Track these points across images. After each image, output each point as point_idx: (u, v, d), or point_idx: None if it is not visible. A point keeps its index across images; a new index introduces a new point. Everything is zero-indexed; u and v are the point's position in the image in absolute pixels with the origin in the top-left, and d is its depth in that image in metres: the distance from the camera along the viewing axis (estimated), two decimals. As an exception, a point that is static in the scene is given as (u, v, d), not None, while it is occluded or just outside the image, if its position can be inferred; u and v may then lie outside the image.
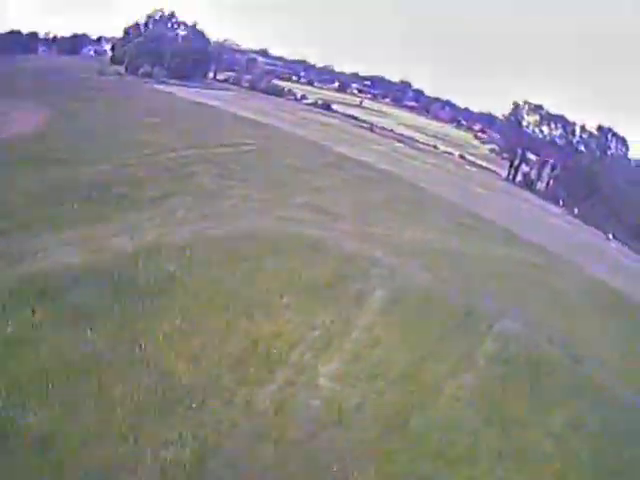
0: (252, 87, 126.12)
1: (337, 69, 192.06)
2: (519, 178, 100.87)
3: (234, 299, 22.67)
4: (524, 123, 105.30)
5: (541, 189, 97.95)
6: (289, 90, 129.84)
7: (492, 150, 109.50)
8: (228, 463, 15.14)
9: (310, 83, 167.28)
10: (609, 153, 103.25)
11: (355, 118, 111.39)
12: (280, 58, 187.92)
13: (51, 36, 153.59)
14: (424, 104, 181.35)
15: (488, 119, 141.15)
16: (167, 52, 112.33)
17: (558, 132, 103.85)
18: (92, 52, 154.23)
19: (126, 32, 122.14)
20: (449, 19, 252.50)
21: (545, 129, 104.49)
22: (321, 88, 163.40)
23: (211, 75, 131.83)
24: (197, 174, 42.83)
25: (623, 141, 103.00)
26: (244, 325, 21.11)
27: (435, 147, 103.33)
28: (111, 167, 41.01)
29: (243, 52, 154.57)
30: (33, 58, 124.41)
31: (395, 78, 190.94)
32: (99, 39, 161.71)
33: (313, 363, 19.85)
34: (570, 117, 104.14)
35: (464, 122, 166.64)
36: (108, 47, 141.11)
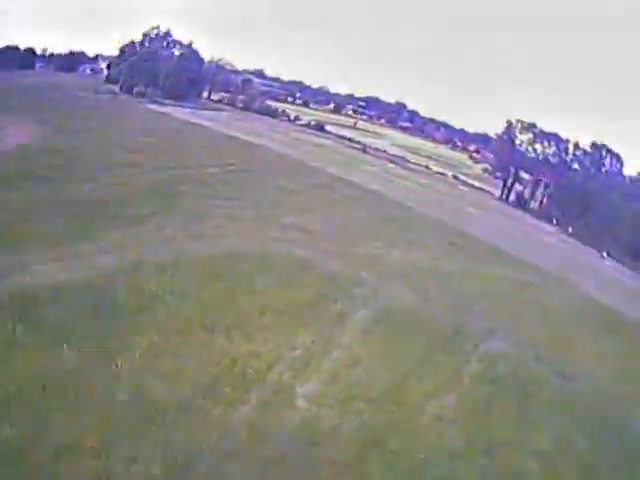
0: (246, 108, 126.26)
1: (332, 90, 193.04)
2: (512, 197, 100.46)
3: (213, 318, 22.54)
4: (517, 142, 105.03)
5: (535, 208, 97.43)
6: (283, 111, 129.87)
7: (485, 169, 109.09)
8: (197, 481, 15.00)
9: (305, 104, 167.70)
10: (603, 170, 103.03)
11: (348, 139, 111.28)
12: (276, 79, 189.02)
13: (48, 53, 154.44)
14: (419, 125, 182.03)
15: (484, 140, 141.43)
16: (161, 71, 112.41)
17: (552, 150, 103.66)
18: (89, 70, 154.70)
19: (122, 51, 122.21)
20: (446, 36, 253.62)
21: (538, 147, 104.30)
22: (316, 109, 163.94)
23: (205, 95, 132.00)
24: (184, 194, 42.94)
25: (618, 157, 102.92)
26: (222, 344, 21.00)
27: (428, 167, 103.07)
28: (98, 185, 41.38)
29: (239, 73, 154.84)
30: (31, 74, 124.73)
31: (391, 99, 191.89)
32: (96, 57, 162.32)
33: (290, 383, 19.64)
34: (564, 134, 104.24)
35: (459, 143, 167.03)
36: (104, 65, 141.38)
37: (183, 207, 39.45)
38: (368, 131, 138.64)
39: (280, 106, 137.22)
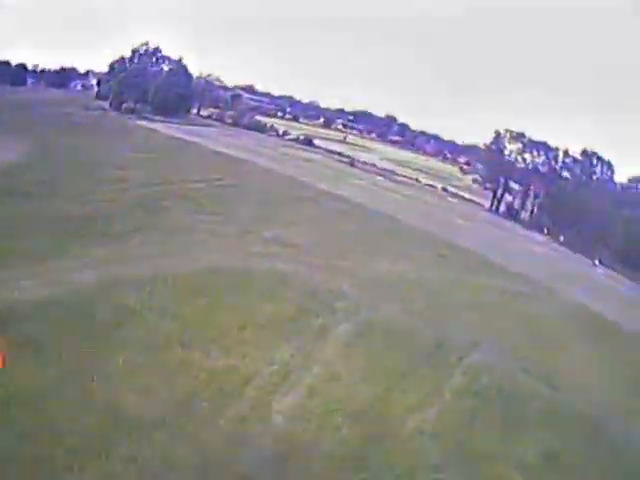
0: (235, 123, 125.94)
1: (323, 105, 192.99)
2: (502, 208, 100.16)
3: (191, 334, 22.44)
4: (506, 152, 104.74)
5: (525, 218, 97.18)
6: (271, 126, 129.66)
7: (474, 180, 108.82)
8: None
9: (295, 119, 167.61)
10: (594, 177, 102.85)
11: (337, 153, 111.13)
12: (266, 94, 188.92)
13: (39, 69, 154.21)
14: (409, 138, 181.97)
15: (474, 151, 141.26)
16: (150, 87, 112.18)
17: (541, 159, 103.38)
18: (79, 86, 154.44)
19: (111, 67, 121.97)
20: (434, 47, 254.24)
21: (528, 156, 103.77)
22: (306, 124, 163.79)
23: (194, 111, 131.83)
24: (168, 209, 42.60)
25: (609, 164, 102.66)
26: (199, 359, 20.87)
27: (417, 180, 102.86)
28: (83, 202, 40.83)
29: (228, 88, 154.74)
30: (22, 90, 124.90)
31: (381, 113, 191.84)
32: (87, 73, 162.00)
33: (267, 398, 19.50)
34: (554, 141, 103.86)
35: (449, 155, 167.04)
36: (95, 81, 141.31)
37: (166, 223, 39.08)
38: (358, 145, 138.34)
39: (269, 121, 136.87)
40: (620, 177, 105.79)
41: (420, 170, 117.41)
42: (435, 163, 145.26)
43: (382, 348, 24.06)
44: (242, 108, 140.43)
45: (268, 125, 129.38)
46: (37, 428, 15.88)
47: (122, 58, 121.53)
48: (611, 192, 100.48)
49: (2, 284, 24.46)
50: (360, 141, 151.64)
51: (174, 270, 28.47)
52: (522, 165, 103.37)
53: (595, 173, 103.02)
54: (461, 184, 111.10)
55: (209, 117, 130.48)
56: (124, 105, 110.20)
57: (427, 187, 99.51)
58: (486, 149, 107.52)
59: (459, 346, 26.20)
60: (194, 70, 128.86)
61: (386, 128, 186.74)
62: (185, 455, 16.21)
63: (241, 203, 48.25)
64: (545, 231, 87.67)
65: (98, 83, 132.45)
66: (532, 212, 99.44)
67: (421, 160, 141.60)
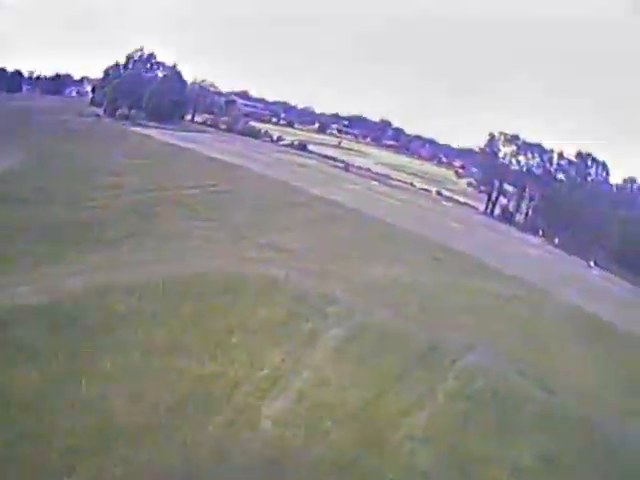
0: (229, 129, 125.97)
1: (318, 110, 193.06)
2: (497, 211, 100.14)
3: (181, 339, 22.48)
4: (500, 154, 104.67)
5: (520, 221, 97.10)
6: (265, 132, 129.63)
7: (469, 184, 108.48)
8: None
9: (290, 124, 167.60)
10: (589, 179, 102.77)
11: (332, 158, 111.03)
12: (261, 100, 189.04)
13: (35, 75, 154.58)
14: (404, 142, 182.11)
15: (470, 155, 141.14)
16: (145, 94, 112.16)
17: (535, 161, 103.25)
18: (74, 93, 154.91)
19: (106, 73, 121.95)
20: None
21: (522, 159, 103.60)
22: (301, 129, 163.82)
23: (189, 117, 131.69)
24: (162, 215, 42.98)
25: (604, 166, 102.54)
26: (188, 365, 20.84)
27: (412, 184, 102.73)
28: (77, 208, 41.54)
29: (223, 94, 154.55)
30: (17, 97, 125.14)
31: (375, 117, 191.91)
32: (82, 80, 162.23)
33: (256, 403, 19.43)
34: (548, 145, 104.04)
35: (444, 159, 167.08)
36: (90, 88, 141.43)
37: (160, 229, 39.46)
38: (352, 150, 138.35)
39: (264, 127, 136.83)
40: (615, 178, 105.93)
41: (415, 174, 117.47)
42: (430, 167, 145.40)
43: (374, 352, 23.83)
44: (236, 114, 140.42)
45: (262, 131, 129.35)
46: (29, 431, 16.00)
47: (117, 64, 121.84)
48: (606, 193, 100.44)
49: (-2, 289, 24.89)
50: (355, 146, 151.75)
51: (166, 276, 28.40)
52: (516, 167, 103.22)
53: (590, 175, 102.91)
54: (456, 188, 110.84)
55: (203, 123, 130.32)
56: (118, 111, 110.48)
57: (422, 191, 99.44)
58: (480, 152, 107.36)
59: (453, 349, 25.95)
60: (188, 76, 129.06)
61: (381, 133, 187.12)
62: (174, 461, 16.19)
63: (235, 209, 48.33)
64: (540, 233, 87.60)
65: (93, 90, 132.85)
66: (527, 215, 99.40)
67: (416, 164, 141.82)
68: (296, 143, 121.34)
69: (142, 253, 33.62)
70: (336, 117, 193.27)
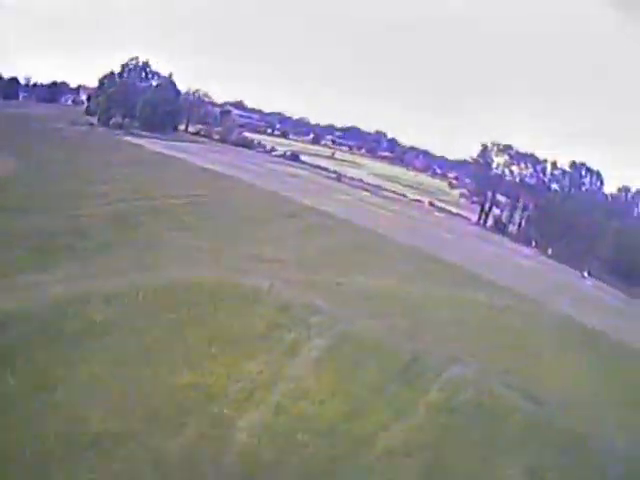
0: (222, 139, 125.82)
1: (313, 121, 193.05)
2: (490, 222, 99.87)
3: (158, 349, 22.58)
4: (494, 165, 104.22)
5: (513, 231, 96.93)
6: (259, 142, 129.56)
7: (462, 195, 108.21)
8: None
9: (285, 135, 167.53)
10: (584, 189, 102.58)
11: (325, 169, 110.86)
12: (257, 110, 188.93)
13: (32, 82, 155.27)
14: (399, 154, 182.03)
15: (464, 166, 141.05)
16: (138, 103, 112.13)
17: (528, 171, 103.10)
18: (70, 101, 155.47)
19: (101, 82, 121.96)
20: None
21: (515, 169, 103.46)
22: (295, 140, 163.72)
23: (183, 127, 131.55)
24: (146, 224, 42.99)
25: (598, 175, 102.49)
26: (164, 375, 20.91)
27: (404, 195, 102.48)
28: (63, 216, 41.60)
29: (217, 104, 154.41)
30: (13, 105, 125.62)
31: (370, 129, 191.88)
32: (78, 88, 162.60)
33: (231, 415, 19.33)
34: (541, 154, 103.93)
35: (439, 170, 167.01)
36: (85, 97, 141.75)
37: (143, 238, 39.50)
38: (346, 161, 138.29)
39: (258, 137, 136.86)
40: (610, 187, 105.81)
41: (410, 186, 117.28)
42: (424, 178, 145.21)
43: (355, 363, 23.62)
44: (230, 124, 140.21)
45: (256, 141, 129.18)
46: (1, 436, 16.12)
47: (112, 73, 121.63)
48: (600, 203, 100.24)
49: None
50: (349, 157, 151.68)
51: (146, 285, 28.37)
52: (510, 178, 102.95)
53: (584, 184, 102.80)
54: (449, 198, 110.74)
55: (197, 133, 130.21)
56: (112, 120, 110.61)
57: (414, 202, 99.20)
58: (473, 162, 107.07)
59: (437, 361, 25.59)
60: (183, 85, 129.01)
61: (376, 144, 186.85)
62: (146, 471, 16.21)
63: (222, 219, 48.26)
64: (533, 244, 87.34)
65: (88, 98, 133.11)
66: (520, 225, 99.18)
67: (410, 176, 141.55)
68: (289, 154, 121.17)
69: (124, 262, 33.48)
70: (331, 128, 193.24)
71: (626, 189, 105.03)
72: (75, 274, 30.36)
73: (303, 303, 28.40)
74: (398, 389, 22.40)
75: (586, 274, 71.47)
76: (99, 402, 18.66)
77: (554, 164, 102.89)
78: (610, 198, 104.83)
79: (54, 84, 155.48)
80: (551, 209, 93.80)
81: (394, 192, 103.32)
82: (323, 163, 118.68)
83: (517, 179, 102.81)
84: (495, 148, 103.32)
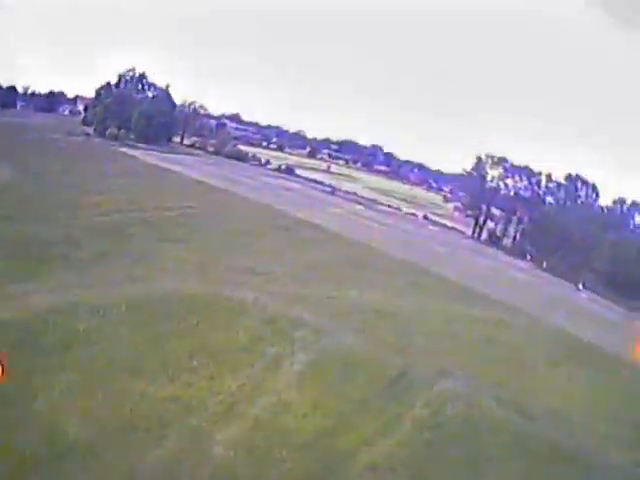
0: (217, 152, 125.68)
1: (310, 135, 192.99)
2: (484, 235, 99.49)
3: (139, 360, 22.52)
4: (488, 177, 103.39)
5: (508, 244, 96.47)
6: (253, 155, 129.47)
7: (456, 208, 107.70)
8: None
9: (280, 148, 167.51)
10: (579, 201, 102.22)
11: (319, 182, 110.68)
12: (253, 123, 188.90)
13: (30, 92, 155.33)
14: (394, 168, 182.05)
15: (460, 180, 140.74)
16: (134, 115, 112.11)
17: (523, 184, 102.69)
18: (67, 111, 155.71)
19: (98, 93, 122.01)
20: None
21: (510, 182, 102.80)
22: (291, 153, 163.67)
23: (178, 139, 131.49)
24: (136, 236, 42.70)
25: (593, 188, 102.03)
26: (143, 387, 20.85)
27: (398, 209, 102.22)
28: (55, 226, 41.04)
29: (213, 117, 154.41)
30: (11, 113, 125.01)
31: (366, 142, 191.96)
32: (75, 98, 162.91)
33: (209, 429, 19.22)
34: (536, 167, 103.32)
35: (434, 184, 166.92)
36: (82, 107, 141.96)
37: (133, 249, 39.13)
38: (342, 174, 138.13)
39: (253, 150, 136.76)
40: (605, 200, 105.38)
41: (404, 199, 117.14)
42: (419, 192, 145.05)
43: (339, 377, 23.38)
44: (225, 137, 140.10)
45: (250, 154, 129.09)
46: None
47: (108, 84, 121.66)
48: (596, 215, 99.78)
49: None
50: (345, 170, 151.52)
51: (132, 296, 28.39)
52: (504, 191, 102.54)
53: (580, 197, 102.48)
54: (443, 212, 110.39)
55: (192, 145, 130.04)
56: (108, 131, 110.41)
57: (408, 215, 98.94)
58: (467, 175, 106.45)
59: (425, 375, 25.38)
60: (179, 97, 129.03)
61: (372, 157, 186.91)
62: None
63: (213, 231, 48.05)
64: (528, 257, 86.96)
65: (85, 109, 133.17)
66: (515, 238, 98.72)
67: (405, 189, 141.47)
68: (283, 167, 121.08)
69: (112, 273, 33.35)
70: (327, 142, 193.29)
71: (622, 201, 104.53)
72: (67, 284, 30.31)
73: (288, 317, 28.21)
74: (384, 404, 22.13)
75: (581, 287, 71.23)
76: (77, 412, 18.65)
77: (549, 176, 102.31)
78: (606, 210, 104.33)
79: (52, 94, 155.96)
80: (546, 222, 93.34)
81: (389, 206, 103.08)
82: (318, 177, 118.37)
83: (512, 192, 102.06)
84: (489, 161, 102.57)
